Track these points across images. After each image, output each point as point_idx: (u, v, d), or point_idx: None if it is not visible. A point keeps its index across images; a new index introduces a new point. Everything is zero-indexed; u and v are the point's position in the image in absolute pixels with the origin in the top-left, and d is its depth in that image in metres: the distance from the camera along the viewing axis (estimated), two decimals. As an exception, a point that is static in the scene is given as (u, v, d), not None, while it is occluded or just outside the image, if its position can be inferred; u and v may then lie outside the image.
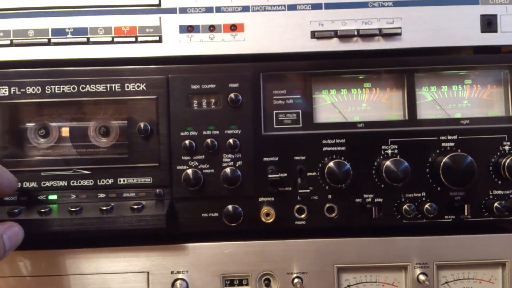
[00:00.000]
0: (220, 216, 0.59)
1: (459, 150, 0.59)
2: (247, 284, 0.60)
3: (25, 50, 0.59)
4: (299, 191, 0.58)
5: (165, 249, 0.59)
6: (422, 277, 0.59)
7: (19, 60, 0.59)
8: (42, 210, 0.56)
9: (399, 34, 0.59)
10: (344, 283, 0.61)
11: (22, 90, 0.58)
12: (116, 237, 0.60)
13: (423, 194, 0.59)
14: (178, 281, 0.59)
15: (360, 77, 0.62)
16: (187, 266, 0.59)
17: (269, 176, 0.57)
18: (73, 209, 0.56)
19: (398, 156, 0.59)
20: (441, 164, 0.57)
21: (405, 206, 0.58)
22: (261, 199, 0.59)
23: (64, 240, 0.60)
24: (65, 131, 0.60)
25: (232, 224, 0.59)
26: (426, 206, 0.58)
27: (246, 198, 0.59)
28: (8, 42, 0.58)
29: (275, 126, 0.60)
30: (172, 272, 0.59)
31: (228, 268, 0.60)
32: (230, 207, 0.59)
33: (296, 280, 0.59)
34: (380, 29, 0.59)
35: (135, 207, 0.56)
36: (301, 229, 0.60)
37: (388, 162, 0.57)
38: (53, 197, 0.58)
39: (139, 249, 0.59)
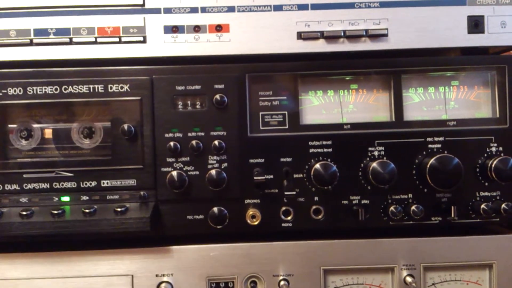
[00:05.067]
0: (206, 219, 0.59)
1: (446, 152, 0.59)
2: (233, 287, 0.59)
3: (6, 51, 0.58)
4: (285, 193, 0.57)
5: (150, 252, 0.59)
6: (409, 279, 0.59)
7: (0, 61, 0.57)
8: (24, 213, 0.55)
9: (386, 35, 0.58)
10: (331, 285, 0.60)
11: (3, 91, 0.57)
12: (99, 240, 0.59)
13: (410, 195, 0.59)
14: (163, 284, 0.58)
15: (347, 78, 0.61)
16: (172, 269, 0.59)
17: (255, 178, 0.57)
18: (55, 212, 0.55)
19: (385, 158, 0.58)
20: (428, 165, 0.57)
21: (392, 208, 0.58)
22: (247, 201, 0.59)
23: (45, 243, 0.59)
24: (48, 133, 0.59)
25: (218, 227, 0.58)
26: (413, 207, 0.58)
27: (232, 200, 0.59)
28: (-11, 42, 0.58)
29: (261, 128, 0.60)
30: (157, 275, 0.59)
31: (213, 270, 0.59)
32: (215, 209, 0.58)
33: (282, 283, 0.59)
34: (366, 30, 0.58)
35: (119, 209, 0.56)
36: (287, 231, 0.59)
37: (374, 164, 0.57)
38: (35, 199, 0.57)
39: (123, 251, 0.59)
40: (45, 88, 0.57)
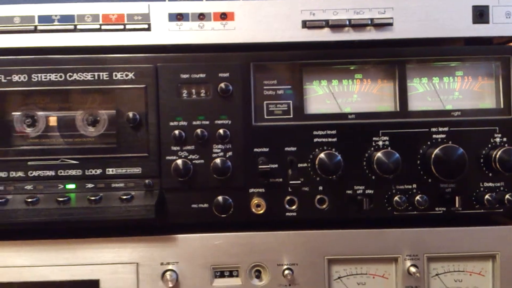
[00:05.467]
0: (210, 207, 0.59)
1: (450, 142, 0.59)
2: (237, 275, 0.60)
3: (11, 38, 0.57)
4: (290, 182, 0.57)
5: (155, 240, 0.59)
6: (412, 269, 0.59)
7: (5, 48, 0.57)
8: (29, 200, 0.55)
9: (391, 24, 0.58)
10: (334, 274, 0.60)
11: (8, 78, 0.57)
12: (104, 228, 0.59)
13: (414, 186, 0.59)
14: (168, 272, 0.59)
15: (351, 68, 0.61)
16: (177, 257, 0.59)
17: (259, 167, 0.57)
18: (60, 199, 0.55)
19: (389, 148, 0.58)
20: (432, 155, 0.57)
21: (396, 198, 0.58)
22: (251, 190, 0.59)
23: (50, 231, 0.59)
24: (53, 120, 0.59)
25: (222, 215, 0.58)
26: (417, 198, 0.58)
27: (236, 189, 0.59)
28: (-6, 29, 0.57)
29: (265, 117, 0.60)
30: (161, 263, 0.59)
31: (218, 259, 0.59)
32: (220, 198, 0.58)
33: (286, 272, 0.59)
34: (371, 19, 0.58)
35: (124, 197, 0.56)
36: (291, 221, 0.59)
37: (379, 154, 0.57)
38: (40, 187, 0.57)
39: (128, 240, 0.59)
40: (49, 75, 0.57)
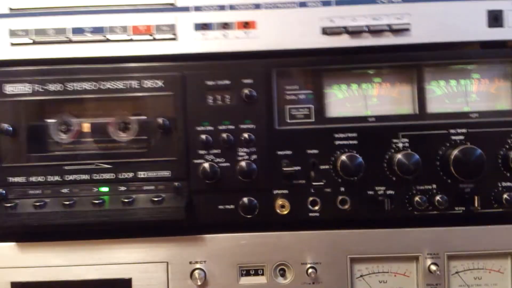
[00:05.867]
0: (236, 208, 0.61)
1: (468, 143, 0.60)
2: (262, 274, 0.62)
3: (46, 49, 0.61)
4: (313, 183, 0.60)
5: (184, 240, 0.61)
6: (433, 267, 0.61)
7: (40, 58, 0.61)
8: (67, 203, 0.58)
9: (408, 29, 0.60)
10: (357, 273, 0.62)
11: (44, 87, 0.60)
12: (132, 229, 0.61)
13: (434, 186, 0.61)
14: (196, 271, 0.61)
15: (370, 72, 0.63)
16: (205, 257, 0.61)
17: (284, 169, 0.59)
18: (96, 202, 0.58)
19: (409, 149, 0.60)
20: (452, 157, 0.58)
21: (417, 198, 0.60)
22: (275, 191, 0.61)
23: (86, 232, 0.62)
24: (86, 127, 0.62)
25: (248, 216, 0.61)
26: (438, 198, 0.60)
27: (261, 191, 0.61)
28: (31, 41, 0.60)
29: (288, 121, 0.62)
30: (190, 262, 0.61)
31: (244, 258, 0.62)
32: (245, 199, 0.61)
33: (310, 270, 0.61)
34: (389, 25, 0.60)
35: (156, 199, 0.59)
36: (314, 221, 0.61)
37: (400, 155, 0.58)
38: (75, 190, 0.60)
39: (158, 240, 0.62)
40: (83, 84, 0.60)
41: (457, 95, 0.63)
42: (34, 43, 0.60)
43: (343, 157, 0.59)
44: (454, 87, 0.63)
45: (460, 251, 0.61)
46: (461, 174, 0.58)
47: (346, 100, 0.63)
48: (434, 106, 0.62)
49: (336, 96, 0.63)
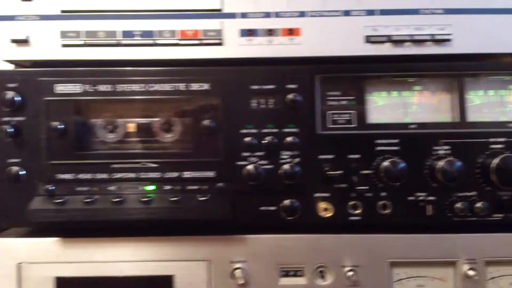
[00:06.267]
0: (278, 210, 0.62)
1: (508, 152, 0.61)
2: (302, 275, 0.63)
3: (96, 50, 0.63)
4: (355, 188, 0.61)
5: (226, 240, 0.63)
6: (471, 273, 0.62)
7: (91, 60, 0.63)
8: (115, 200, 0.60)
9: (449, 40, 0.62)
10: (395, 277, 0.63)
11: (94, 87, 0.62)
12: (172, 228, 0.63)
13: (474, 193, 0.62)
14: (238, 270, 0.62)
15: (411, 80, 0.65)
16: (246, 256, 0.63)
17: (327, 173, 0.60)
18: (144, 200, 0.60)
19: (450, 157, 0.61)
20: (493, 165, 0.60)
21: (458, 205, 0.61)
22: (316, 194, 0.62)
23: (127, 228, 0.63)
24: (133, 127, 0.63)
25: (289, 218, 0.62)
26: (478, 204, 0.61)
27: (303, 194, 0.62)
28: (81, 42, 0.62)
29: (330, 126, 0.63)
30: (231, 261, 0.63)
31: (284, 259, 0.62)
32: (287, 201, 0.62)
33: (349, 273, 0.62)
34: (432, 35, 0.62)
35: (201, 199, 0.60)
36: (354, 224, 0.62)
37: (442, 162, 0.59)
38: (122, 188, 0.61)
39: (201, 238, 0.63)
40: (132, 86, 0.62)
41: (495, 105, 0.64)
42: (85, 44, 0.63)
43: (387, 163, 0.60)
44: (491, 97, 0.65)
45: (497, 256, 0.62)
46: (502, 182, 0.59)
47: (386, 106, 0.64)
48: (474, 115, 0.63)
49: (376, 102, 0.64)
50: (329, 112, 0.63)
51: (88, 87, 0.62)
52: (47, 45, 0.63)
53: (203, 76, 0.62)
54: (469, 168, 0.62)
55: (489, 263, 0.63)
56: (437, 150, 0.62)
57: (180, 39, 0.63)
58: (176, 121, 0.63)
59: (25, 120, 0.62)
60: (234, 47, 0.63)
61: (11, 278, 0.62)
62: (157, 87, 0.62)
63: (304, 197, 0.62)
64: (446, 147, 0.62)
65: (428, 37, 0.62)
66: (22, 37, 0.62)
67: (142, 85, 0.62)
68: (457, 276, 0.62)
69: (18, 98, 0.61)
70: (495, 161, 0.59)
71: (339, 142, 0.63)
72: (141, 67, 0.63)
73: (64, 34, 0.63)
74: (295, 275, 0.63)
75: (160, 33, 0.63)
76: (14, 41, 0.62)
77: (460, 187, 0.62)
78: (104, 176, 0.62)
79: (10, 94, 0.61)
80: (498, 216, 0.62)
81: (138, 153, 0.63)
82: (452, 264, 0.63)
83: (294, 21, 0.63)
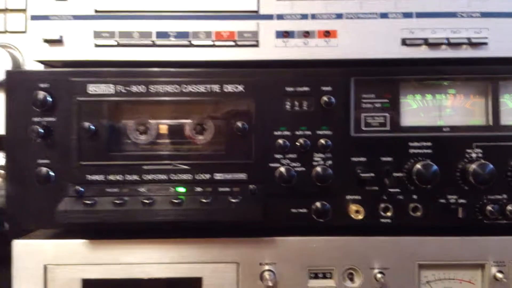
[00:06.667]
0: (309, 212, 0.62)
1: (540, 156, 0.62)
2: (331, 277, 0.63)
3: (130, 51, 0.62)
4: (388, 190, 0.61)
5: (255, 242, 0.63)
6: (499, 275, 0.62)
7: (125, 60, 0.62)
8: (146, 201, 0.60)
9: (486, 43, 0.62)
10: (423, 279, 0.64)
11: (127, 88, 0.61)
12: (202, 229, 0.63)
13: (504, 196, 0.62)
14: (266, 272, 0.62)
15: (445, 83, 0.64)
16: (275, 258, 0.63)
17: (361, 175, 0.61)
18: (175, 201, 0.60)
19: (482, 160, 0.61)
20: (525, 168, 0.60)
21: (489, 208, 0.61)
22: (348, 197, 0.63)
23: (157, 231, 0.63)
24: (165, 128, 0.63)
25: (320, 220, 0.62)
26: (509, 207, 0.61)
27: (334, 196, 0.62)
28: (115, 42, 0.62)
29: (363, 128, 0.63)
30: (260, 264, 0.63)
31: (313, 261, 0.63)
32: (318, 203, 0.62)
33: (379, 275, 0.62)
34: (468, 38, 0.61)
35: (233, 200, 0.60)
36: (385, 227, 0.63)
37: (475, 166, 0.60)
38: (153, 189, 0.61)
39: (230, 241, 0.63)
40: (166, 87, 0.61)
41: (528, 108, 0.65)
42: (118, 45, 0.62)
43: (419, 165, 0.60)
44: (525, 100, 0.65)
45: (526, 260, 0.63)
46: (534, 186, 0.60)
47: (420, 109, 0.64)
48: (507, 118, 0.63)
49: (410, 105, 0.64)
50: (363, 114, 0.64)
51: (120, 88, 0.62)
52: (80, 45, 0.62)
53: (237, 78, 0.62)
54: (501, 171, 0.62)
55: (517, 266, 0.64)
56: (470, 153, 0.62)
57: (215, 40, 0.62)
58: (209, 123, 0.63)
59: (56, 121, 0.62)
60: (270, 49, 0.63)
61: (37, 279, 0.62)
62: (191, 88, 0.62)
63: (335, 199, 0.62)
64: (479, 150, 0.62)
65: (465, 40, 0.61)
66: (56, 37, 0.61)
67: (175, 86, 0.61)
68: (485, 279, 0.63)
69: (49, 99, 0.61)
70: (528, 165, 0.60)
71: (372, 145, 0.63)
72: (175, 68, 0.62)
73: (97, 34, 0.62)
74: (324, 277, 0.64)
75: (195, 34, 0.62)
76: (47, 41, 0.61)
77: (492, 189, 0.62)
78: (134, 177, 0.62)
79: (41, 95, 0.61)
80: (528, 219, 0.63)
81: (169, 154, 0.63)
82: (480, 266, 0.63)
83: (331, 23, 0.63)
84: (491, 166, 0.60)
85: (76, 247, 0.63)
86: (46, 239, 0.64)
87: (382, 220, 0.63)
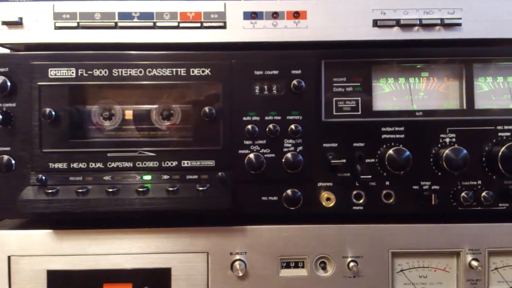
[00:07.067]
0: (280, 200, 0.61)
1: (516, 140, 0.60)
2: (303, 267, 0.62)
3: (92, 33, 0.60)
4: (360, 176, 0.59)
5: (225, 231, 0.61)
6: (474, 263, 0.61)
7: (86, 43, 0.60)
8: (110, 190, 0.57)
9: (460, 24, 0.60)
10: (397, 267, 0.62)
11: (89, 72, 0.59)
12: (171, 218, 0.61)
13: (479, 182, 0.61)
14: (237, 262, 0.61)
15: (418, 66, 0.63)
16: (246, 248, 0.61)
17: (331, 161, 0.59)
18: (140, 190, 0.57)
19: (456, 145, 0.60)
20: (499, 153, 0.58)
21: (463, 194, 0.60)
22: (319, 184, 0.61)
23: (124, 221, 0.61)
24: (129, 114, 0.61)
25: (291, 208, 0.60)
26: (484, 194, 0.60)
27: (306, 183, 0.61)
28: (75, 24, 0.59)
29: (334, 113, 0.61)
30: (231, 253, 0.61)
31: (285, 250, 0.61)
32: (289, 191, 0.60)
33: (351, 264, 0.61)
34: (441, 19, 0.59)
35: (201, 188, 0.58)
36: (358, 214, 0.61)
37: (448, 151, 0.58)
38: (118, 177, 0.60)
39: (199, 230, 0.61)
40: (129, 71, 0.59)
41: (503, 91, 0.63)
42: (79, 26, 0.59)
43: (391, 151, 0.58)
44: (501, 83, 0.63)
45: (501, 247, 0.62)
46: (508, 171, 0.58)
47: (393, 93, 0.62)
48: (481, 102, 0.62)
49: (382, 89, 0.63)
50: (334, 99, 0.62)
51: (83, 72, 0.59)
52: (40, 27, 0.59)
53: (204, 61, 0.60)
54: (475, 157, 0.61)
55: (493, 253, 0.62)
56: (443, 138, 0.61)
57: (180, 22, 0.60)
58: (175, 108, 0.61)
59: (16, 107, 0.59)
60: (237, 31, 0.60)
61: (1, 271, 0.60)
62: (156, 72, 0.59)
63: (306, 186, 0.61)
64: (452, 135, 0.60)
65: (437, 21, 0.59)
66: (15, 18, 0.58)
67: (140, 69, 0.59)
68: (460, 267, 0.62)
69: (8, 83, 0.59)
70: (502, 149, 0.58)
71: (343, 130, 0.61)
72: (139, 51, 0.60)
73: (58, 16, 0.60)
74: (296, 266, 0.62)
75: (160, 15, 0.60)
76: (5, 23, 0.59)
77: (466, 176, 0.61)
78: (99, 165, 0.60)
79: (0, 79, 0.58)
80: (503, 205, 0.61)
81: (135, 141, 0.60)
82: (455, 254, 0.62)
83: (300, 3, 0.60)
84: (465, 151, 0.58)
85: (41, 237, 0.61)
86: (10, 230, 0.61)
87: (355, 208, 0.61)
